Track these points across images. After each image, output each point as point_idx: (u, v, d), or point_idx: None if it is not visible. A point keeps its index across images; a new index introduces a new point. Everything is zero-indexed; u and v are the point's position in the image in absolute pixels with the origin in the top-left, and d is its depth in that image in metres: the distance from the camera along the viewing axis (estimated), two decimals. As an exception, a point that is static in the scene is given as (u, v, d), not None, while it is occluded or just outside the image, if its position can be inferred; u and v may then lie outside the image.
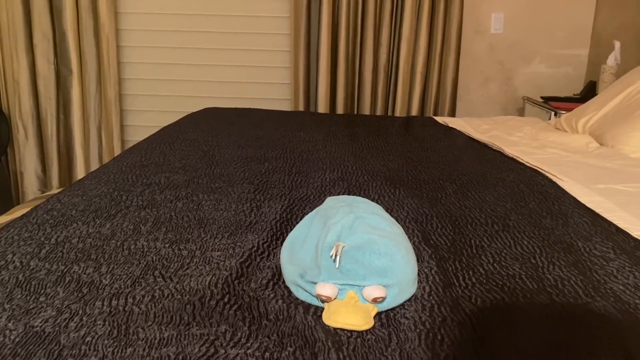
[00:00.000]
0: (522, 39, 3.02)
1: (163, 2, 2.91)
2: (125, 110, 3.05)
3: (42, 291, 0.79)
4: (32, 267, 0.87)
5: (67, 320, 0.71)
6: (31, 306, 0.75)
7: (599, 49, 2.92)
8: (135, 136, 3.07)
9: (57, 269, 0.86)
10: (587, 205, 1.22)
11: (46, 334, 0.68)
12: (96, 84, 2.86)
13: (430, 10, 2.80)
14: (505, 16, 2.98)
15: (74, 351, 0.65)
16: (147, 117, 3.06)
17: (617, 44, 2.52)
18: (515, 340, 0.70)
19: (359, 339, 0.70)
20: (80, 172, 2.90)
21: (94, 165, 2.94)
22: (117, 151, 2.95)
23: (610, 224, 1.11)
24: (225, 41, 2.96)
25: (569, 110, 2.40)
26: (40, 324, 0.70)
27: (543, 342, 0.69)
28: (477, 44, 3.03)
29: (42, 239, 0.97)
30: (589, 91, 2.72)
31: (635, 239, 1.03)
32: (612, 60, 2.51)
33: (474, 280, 0.86)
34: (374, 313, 0.75)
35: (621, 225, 1.09)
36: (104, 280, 0.83)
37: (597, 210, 1.18)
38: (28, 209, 1.55)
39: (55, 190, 2.86)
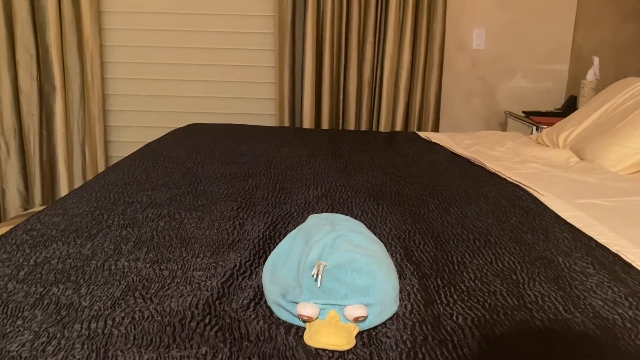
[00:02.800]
0: (503, 54, 3.06)
1: (147, 18, 2.91)
2: (109, 126, 3.03)
3: (20, 314, 0.78)
4: (9, 289, 0.85)
5: (44, 344, 0.70)
6: (7, 330, 0.74)
7: (578, 64, 2.98)
8: (120, 152, 3.05)
9: (36, 291, 0.85)
10: (568, 220, 1.23)
11: (23, 359, 0.67)
12: (80, 99, 2.84)
13: (413, 27, 2.83)
14: (486, 32, 3.03)
15: (50, 376, 0.64)
16: (132, 133, 3.05)
17: (596, 60, 2.57)
18: (495, 358, 0.70)
19: (340, 359, 0.70)
20: (63, 189, 2.87)
21: (78, 182, 2.91)
22: (101, 167, 2.93)
23: (590, 239, 1.12)
24: (210, 57, 2.97)
25: (550, 124, 2.44)
26: (16, 349, 0.69)
27: (523, 360, 0.70)
28: (460, 59, 3.07)
29: (21, 260, 0.96)
30: (570, 105, 2.76)
31: (613, 254, 1.04)
32: (591, 75, 2.56)
33: (455, 297, 0.87)
34: (355, 332, 0.75)
35: (600, 240, 1.11)
36: (83, 302, 0.82)
37: (577, 225, 1.20)
38: (10, 227, 1.53)
39: (37, 208, 2.83)
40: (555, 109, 2.88)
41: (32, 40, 2.74)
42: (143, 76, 2.98)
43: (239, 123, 2.82)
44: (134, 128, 3.05)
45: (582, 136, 1.98)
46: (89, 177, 2.91)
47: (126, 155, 1.87)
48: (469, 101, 3.14)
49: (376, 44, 2.87)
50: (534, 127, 2.58)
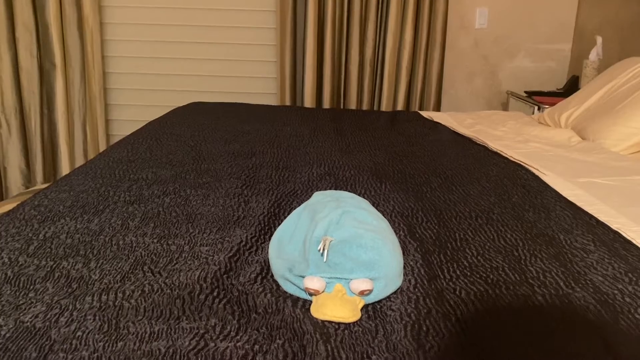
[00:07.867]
0: (506, 33, 3.05)
1: (148, -5, 2.89)
2: (110, 105, 3.03)
3: (32, 287, 0.79)
4: (20, 263, 0.87)
5: (57, 316, 0.72)
6: (21, 302, 0.75)
7: (581, 44, 2.96)
8: (121, 131, 3.05)
9: (46, 264, 0.86)
10: (569, 198, 1.25)
11: (37, 329, 0.69)
12: (80, 77, 2.83)
13: (416, 5, 2.81)
14: (489, 11, 3.01)
15: (64, 346, 0.66)
16: (133, 112, 3.04)
17: (599, 39, 2.56)
18: (498, 331, 0.72)
19: (346, 331, 0.71)
20: (64, 167, 2.88)
21: (79, 160, 2.92)
22: (102, 146, 2.93)
23: (590, 216, 1.13)
24: (211, 35, 2.95)
25: (552, 104, 2.44)
26: (30, 320, 0.71)
27: (525, 333, 0.72)
28: (462, 38, 3.05)
29: (30, 234, 0.97)
30: (572, 85, 2.75)
31: (614, 231, 1.05)
32: (594, 55, 2.55)
33: (458, 272, 0.88)
34: (361, 305, 0.76)
35: (601, 218, 1.12)
36: (93, 276, 0.84)
37: (578, 204, 1.21)
38: (12, 205, 1.55)
39: (39, 186, 2.84)
40: (557, 89, 2.88)
41: (31, 18, 2.72)
42: (143, 54, 2.97)
43: (239, 102, 2.82)
44: (135, 106, 3.04)
45: (584, 116, 1.98)
46: (90, 155, 2.91)
47: (127, 133, 1.87)
48: (471, 81, 3.13)
49: (378, 22, 2.85)
50: (536, 107, 2.58)
